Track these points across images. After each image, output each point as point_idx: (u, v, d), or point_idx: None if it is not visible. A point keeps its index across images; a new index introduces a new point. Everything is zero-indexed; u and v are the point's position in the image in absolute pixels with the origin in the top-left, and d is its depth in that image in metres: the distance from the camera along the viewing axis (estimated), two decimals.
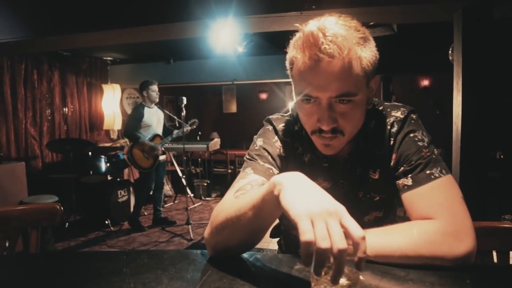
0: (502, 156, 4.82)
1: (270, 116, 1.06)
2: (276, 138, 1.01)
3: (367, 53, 0.79)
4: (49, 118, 5.38)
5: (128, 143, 5.21)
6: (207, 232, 0.82)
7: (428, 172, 0.83)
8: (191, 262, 0.81)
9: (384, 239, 0.75)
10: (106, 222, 4.64)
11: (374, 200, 0.96)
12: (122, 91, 6.43)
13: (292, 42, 0.83)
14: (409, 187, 0.84)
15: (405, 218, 0.86)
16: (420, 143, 0.87)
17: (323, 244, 0.51)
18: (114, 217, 4.71)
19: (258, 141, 1.01)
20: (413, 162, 0.85)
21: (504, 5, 1.88)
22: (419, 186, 0.82)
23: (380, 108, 0.95)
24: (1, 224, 1.45)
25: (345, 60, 0.75)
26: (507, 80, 4.77)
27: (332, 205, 0.57)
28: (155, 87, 4.48)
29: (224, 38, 3.91)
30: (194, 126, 4.75)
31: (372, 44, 0.82)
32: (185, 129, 4.55)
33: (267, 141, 1.00)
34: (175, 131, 4.67)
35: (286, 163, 0.99)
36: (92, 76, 6.12)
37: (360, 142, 0.94)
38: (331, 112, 0.80)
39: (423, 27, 3.93)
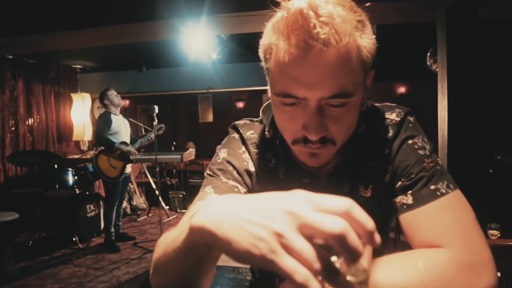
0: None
1: (236, 122, 0.88)
2: (243, 148, 0.83)
3: (367, 41, 0.61)
4: (13, 129, 5.06)
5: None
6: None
7: (432, 187, 0.67)
8: None
9: (381, 274, 0.57)
10: (74, 239, 4.34)
11: None
12: (93, 100, 6.16)
13: (270, 24, 0.63)
14: (409, 207, 0.68)
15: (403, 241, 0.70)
16: (420, 152, 0.71)
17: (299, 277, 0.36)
18: (82, 233, 4.41)
19: (222, 153, 0.82)
20: (413, 176, 0.69)
21: (488, 4, 1.80)
22: (422, 205, 0.66)
23: (371, 110, 0.78)
24: None
25: (342, 50, 0.57)
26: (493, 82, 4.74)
27: (275, 209, 0.40)
28: (113, 91, 4.27)
29: (197, 43, 3.75)
30: (161, 132, 4.51)
31: (370, 30, 0.64)
32: (151, 136, 4.34)
33: (232, 153, 0.82)
34: (140, 139, 4.46)
35: (256, 179, 0.81)
36: (60, 85, 5.83)
37: (349, 151, 0.77)
38: (321, 117, 0.62)
39: (402, 29, 3.85)
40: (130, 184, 6.00)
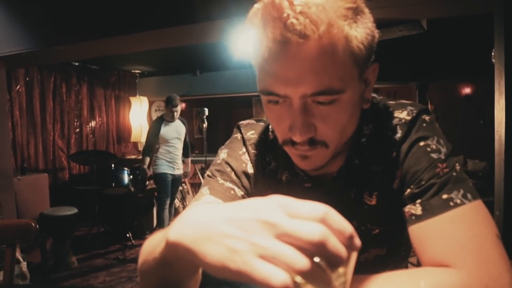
0: None
1: (241, 122, 0.84)
2: (243, 149, 0.79)
3: (359, 31, 0.55)
4: (77, 130, 5.44)
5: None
6: None
7: (444, 196, 0.58)
8: None
9: None
10: (128, 235, 4.55)
11: (372, 234, 0.70)
12: (151, 103, 6.44)
13: (248, 18, 0.59)
14: (418, 218, 0.59)
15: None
16: (433, 155, 0.62)
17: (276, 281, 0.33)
18: (136, 230, 4.63)
19: (222, 153, 0.79)
20: (423, 182, 0.60)
21: None
22: (432, 217, 0.57)
23: (381, 108, 0.70)
24: None
25: (324, 41, 0.52)
26: None
27: (249, 217, 0.38)
28: (178, 108, 4.44)
29: (246, 45, 3.77)
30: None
31: (366, 18, 0.57)
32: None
33: (232, 153, 0.78)
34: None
35: (254, 182, 0.77)
36: (120, 89, 6.17)
37: (352, 154, 0.69)
38: (306, 116, 0.57)
39: (460, 24, 3.55)
40: (183, 184, 6.18)
